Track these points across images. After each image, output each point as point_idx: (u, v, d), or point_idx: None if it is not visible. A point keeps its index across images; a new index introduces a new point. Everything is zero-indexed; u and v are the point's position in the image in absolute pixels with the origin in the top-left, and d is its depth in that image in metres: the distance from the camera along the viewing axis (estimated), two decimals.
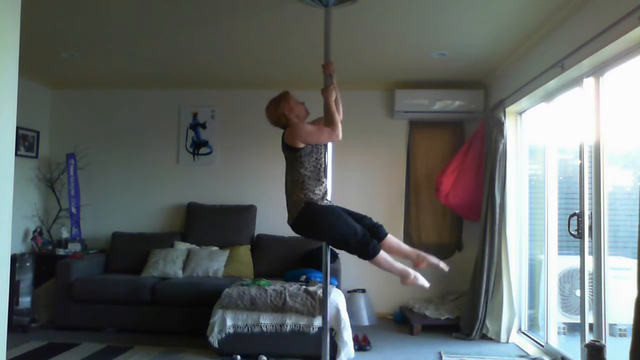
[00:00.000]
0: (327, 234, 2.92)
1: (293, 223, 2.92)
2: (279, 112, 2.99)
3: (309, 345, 3.74)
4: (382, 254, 2.88)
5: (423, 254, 2.97)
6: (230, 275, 4.87)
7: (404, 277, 2.97)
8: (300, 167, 2.88)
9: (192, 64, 4.85)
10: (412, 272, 2.96)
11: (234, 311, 3.87)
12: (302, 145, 2.87)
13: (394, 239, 3.01)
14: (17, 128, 3.67)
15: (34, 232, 5.32)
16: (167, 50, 4.44)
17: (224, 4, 3.41)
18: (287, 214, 2.96)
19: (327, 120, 2.92)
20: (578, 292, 3.68)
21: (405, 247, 3.02)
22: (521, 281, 4.61)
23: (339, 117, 2.93)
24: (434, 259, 2.95)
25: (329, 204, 2.92)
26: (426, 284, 3.02)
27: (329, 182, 3.02)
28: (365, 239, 2.84)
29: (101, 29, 3.94)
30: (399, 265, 2.95)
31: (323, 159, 2.94)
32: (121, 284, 4.61)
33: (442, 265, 2.97)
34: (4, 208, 2.21)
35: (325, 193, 2.93)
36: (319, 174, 2.90)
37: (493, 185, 4.50)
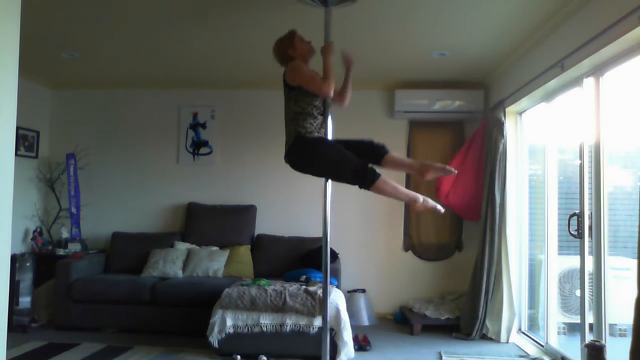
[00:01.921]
0: (319, 165, 2.88)
1: (287, 158, 2.93)
2: (283, 50, 3.03)
3: (309, 345, 3.74)
4: (383, 179, 2.77)
5: (427, 162, 2.84)
6: (230, 275, 4.87)
7: (412, 202, 2.84)
8: (293, 104, 2.91)
9: (192, 64, 4.86)
10: (421, 196, 2.84)
11: (234, 311, 3.87)
12: (295, 85, 2.89)
13: (396, 153, 2.93)
14: (17, 128, 3.67)
15: (34, 232, 5.32)
16: (167, 50, 4.44)
17: (224, 4, 3.41)
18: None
19: (323, 75, 2.91)
20: (578, 292, 3.68)
21: (409, 160, 2.94)
22: (521, 281, 4.61)
23: (333, 76, 2.88)
24: (438, 164, 2.82)
25: (321, 136, 2.91)
26: (439, 207, 2.88)
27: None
28: (360, 166, 2.76)
29: (101, 29, 3.94)
30: (404, 189, 2.85)
31: (319, 104, 2.93)
32: (121, 284, 4.61)
33: (448, 168, 2.80)
34: (4, 208, 2.21)
35: (318, 129, 2.91)
36: (312, 112, 2.90)
37: (493, 185, 4.50)
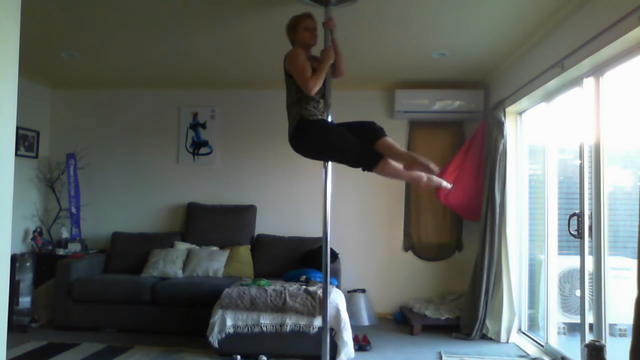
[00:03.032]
0: (323, 148, 2.92)
1: (290, 142, 2.98)
2: (287, 31, 3.09)
3: (309, 345, 3.74)
4: (386, 160, 2.81)
5: (414, 155, 2.82)
6: (230, 275, 4.87)
7: (416, 181, 2.88)
8: (295, 89, 2.95)
9: (192, 64, 4.86)
10: (425, 174, 2.86)
11: (234, 311, 3.87)
12: (289, 72, 2.94)
13: (390, 140, 2.92)
14: (17, 128, 3.67)
15: (34, 232, 5.32)
16: (167, 50, 4.44)
17: (224, 4, 3.41)
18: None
19: (314, 73, 2.92)
20: (578, 292, 3.68)
21: (400, 149, 2.90)
22: (521, 281, 4.61)
23: (321, 79, 2.91)
24: (423, 159, 2.79)
25: (322, 118, 2.93)
26: (445, 183, 2.91)
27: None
28: (363, 149, 2.81)
29: (101, 29, 3.94)
30: (410, 169, 2.85)
31: (321, 87, 2.95)
32: (121, 284, 4.61)
33: (432, 166, 2.78)
34: (4, 208, 2.21)
35: (321, 112, 2.94)
36: (314, 96, 2.93)
37: (493, 185, 4.50)
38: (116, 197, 5.68)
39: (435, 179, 2.89)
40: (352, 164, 2.88)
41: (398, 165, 2.85)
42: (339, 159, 2.93)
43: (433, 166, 2.80)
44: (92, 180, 5.68)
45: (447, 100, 5.21)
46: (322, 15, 3.22)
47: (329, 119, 3.02)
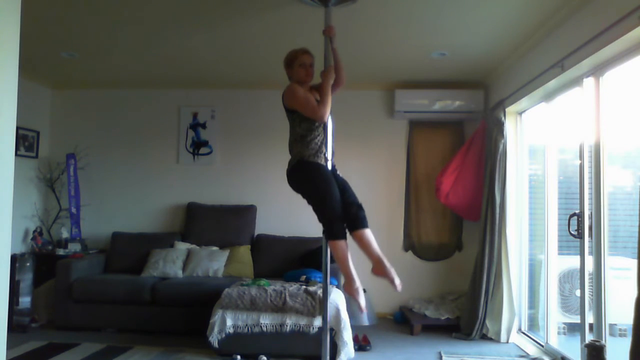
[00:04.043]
0: (308, 192, 2.94)
1: (287, 177, 2.99)
2: (284, 65, 3.08)
3: (309, 345, 3.74)
4: (342, 244, 2.85)
5: (386, 265, 2.82)
6: (230, 275, 4.87)
7: (347, 283, 2.93)
8: (296, 125, 2.97)
9: (193, 64, 4.85)
10: (358, 285, 2.92)
11: (234, 311, 3.87)
12: (292, 108, 2.95)
13: (369, 235, 2.90)
14: (17, 128, 3.67)
15: (34, 232, 5.32)
16: (167, 50, 4.44)
17: (224, 4, 3.41)
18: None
19: (320, 100, 2.92)
20: (578, 292, 3.68)
21: (374, 248, 2.87)
22: (521, 281, 4.61)
23: (329, 102, 2.91)
24: (391, 274, 2.80)
25: (320, 162, 2.92)
26: (362, 305, 2.95)
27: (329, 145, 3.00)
28: (337, 219, 2.83)
29: (101, 29, 3.94)
30: (350, 267, 2.90)
31: (320, 125, 2.95)
32: (121, 284, 4.61)
33: (397, 283, 2.80)
34: (4, 208, 2.21)
35: (320, 150, 2.93)
36: (314, 132, 2.93)
37: (493, 185, 4.50)
38: (116, 197, 5.68)
39: (362, 298, 2.93)
40: (322, 221, 2.91)
41: (348, 257, 2.88)
42: (316, 209, 2.93)
43: (398, 283, 2.81)
44: (92, 180, 5.68)
45: (447, 100, 5.21)
46: (322, 15, 3.22)
47: (330, 157, 2.99)
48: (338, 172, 3.08)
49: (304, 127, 2.94)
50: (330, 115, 3.03)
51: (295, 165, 2.94)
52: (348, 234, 2.91)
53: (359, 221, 2.89)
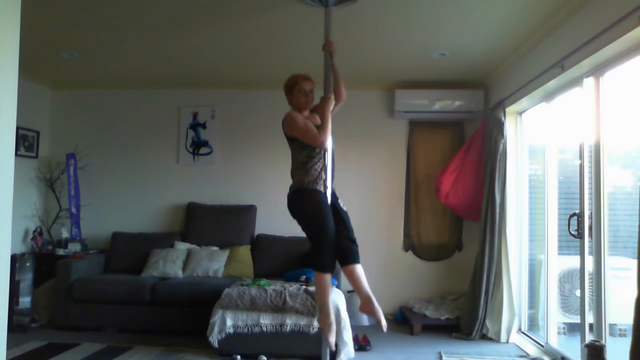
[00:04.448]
0: (304, 220, 2.94)
1: (287, 202, 3.00)
2: (284, 91, 3.07)
3: (309, 345, 3.74)
4: (327, 278, 2.88)
5: (374, 304, 2.86)
6: (230, 275, 4.87)
7: (322, 318, 2.95)
8: (297, 153, 2.98)
9: (192, 64, 4.85)
10: (333, 322, 2.93)
11: (234, 311, 3.87)
12: (292, 136, 2.95)
13: (359, 271, 2.92)
14: (17, 128, 3.67)
15: (34, 232, 5.32)
16: (167, 50, 4.44)
17: (224, 4, 3.41)
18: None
19: (320, 126, 2.93)
20: (578, 292, 3.68)
21: (364, 286, 2.91)
22: (521, 281, 4.61)
23: (329, 128, 2.92)
24: (378, 314, 2.84)
25: (319, 189, 2.91)
26: (332, 346, 2.97)
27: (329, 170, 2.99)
28: (328, 253, 2.84)
29: (101, 29, 3.94)
30: (328, 304, 2.92)
31: (320, 151, 2.95)
32: (121, 284, 4.61)
33: (383, 324, 2.85)
34: (4, 208, 2.21)
35: (320, 176, 2.93)
36: (313, 159, 2.93)
37: (493, 185, 4.50)
38: (116, 197, 5.68)
39: (333, 337, 2.94)
40: (313, 251, 2.93)
41: (329, 291, 2.91)
42: (309, 239, 2.94)
43: (384, 324, 2.84)
44: (92, 180, 5.68)
45: (447, 100, 5.21)
46: (322, 15, 3.22)
47: (330, 184, 2.98)
48: (341, 202, 3.08)
49: (304, 155, 2.95)
50: (332, 136, 3.02)
51: (295, 192, 2.95)
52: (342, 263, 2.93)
53: (351, 256, 2.89)
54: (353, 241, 2.93)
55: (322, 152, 2.96)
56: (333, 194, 3.03)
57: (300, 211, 2.94)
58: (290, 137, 2.99)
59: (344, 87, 3.14)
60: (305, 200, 2.91)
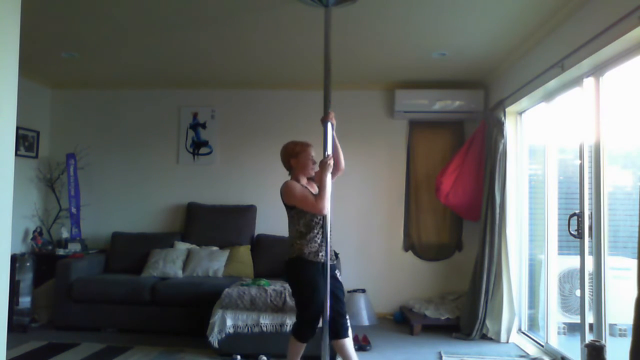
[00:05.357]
0: (296, 289, 3.03)
1: (285, 266, 3.06)
2: (287, 156, 3.10)
3: (309, 345, 3.70)
4: (301, 346, 3.00)
5: None
6: (230, 275, 4.87)
7: None
8: (295, 222, 3.01)
9: (193, 64, 4.85)
10: None
11: (234, 311, 3.87)
12: (291, 205, 2.99)
13: (349, 345, 2.99)
14: (17, 128, 3.67)
15: (34, 232, 5.32)
16: (167, 50, 4.44)
17: (224, 4, 3.41)
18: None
19: (318, 194, 2.95)
20: (578, 292, 3.68)
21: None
22: (521, 281, 4.61)
23: (328, 195, 2.94)
24: None
25: (318, 261, 2.94)
26: None
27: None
28: (311, 322, 2.95)
29: (101, 29, 3.94)
30: None
31: (319, 219, 2.98)
32: (121, 284, 4.61)
33: None
34: (4, 208, 2.21)
35: (320, 249, 2.95)
36: (314, 230, 2.97)
37: (493, 185, 4.50)
38: (116, 197, 5.68)
39: None
40: (297, 318, 3.03)
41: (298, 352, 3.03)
42: (298, 307, 3.02)
43: None
44: (92, 180, 5.68)
45: (447, 100, 5.21)
46: (322, 15, 3.22)
47: (329, 257, 2.99)
48: (338, 274, 3.15)
49: (302, 224, 2.97)
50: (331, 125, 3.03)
51: (295, 259, 2.98)
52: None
53: (342, 331, 2.97)
54: (342, 315, 3.00)
55: (321, 220, 2.98)
56: (333, 267, 3.07)
57: (296, 280, 3.00)
58: (288, 206, 3.01)
59: (342, 159, 3.19)
60: (304, 271, 2.95)
